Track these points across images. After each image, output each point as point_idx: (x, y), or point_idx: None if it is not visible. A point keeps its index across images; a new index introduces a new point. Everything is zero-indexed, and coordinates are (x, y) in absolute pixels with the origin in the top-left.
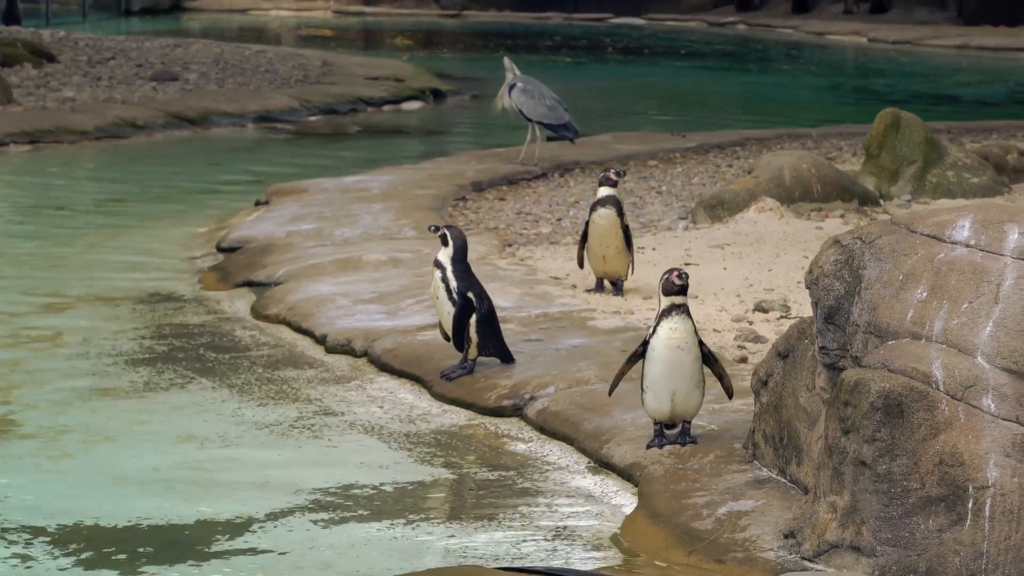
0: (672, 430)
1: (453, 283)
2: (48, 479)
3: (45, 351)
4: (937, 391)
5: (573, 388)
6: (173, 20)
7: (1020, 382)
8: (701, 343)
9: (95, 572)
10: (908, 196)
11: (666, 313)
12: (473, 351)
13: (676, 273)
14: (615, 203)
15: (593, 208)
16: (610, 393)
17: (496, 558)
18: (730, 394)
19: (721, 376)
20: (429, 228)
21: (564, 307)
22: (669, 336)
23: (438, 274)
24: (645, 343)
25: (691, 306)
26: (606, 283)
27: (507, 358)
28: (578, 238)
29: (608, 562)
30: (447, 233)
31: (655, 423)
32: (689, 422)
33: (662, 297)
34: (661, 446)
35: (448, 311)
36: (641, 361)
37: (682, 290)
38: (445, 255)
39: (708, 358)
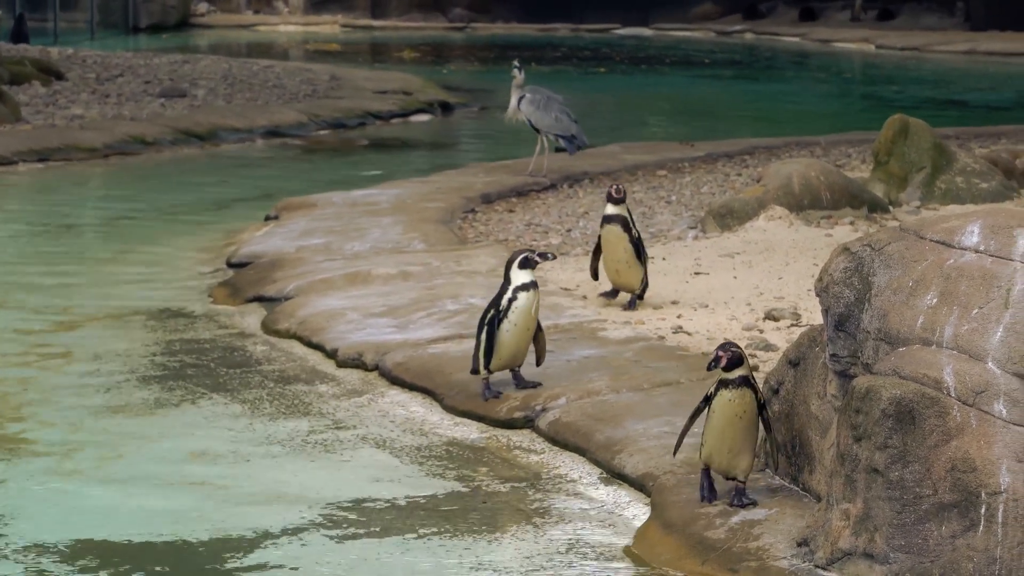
0: (729, 481)
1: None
2: (60, 496)
3: (56, 368)
4: (948, 397)
5: (584, 399)
6: (181, 36)
7: None
8: (763, 408)
9: None
10: (917, 202)
11: (725, 383)
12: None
13: (730, 354)
14: (619, 220)
15: (601, 224)
16: (675, 454)
17: (509, 571)
18: (775, 466)
19: (772, 446)
20: (548, 256)
21: (575, 318)
22: (728, 404)
23: (532, 294)
24: (708, 399)
25: (702, 315)
26: (621, 292)
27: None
28: (588, 249)
29: (621, 573)
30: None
31: (704, 473)
32: (743, 482)
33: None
34: (711, 500)
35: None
36: (705, 415)
37: (738, 362)
38: (534, 277)
39: (766, 424)
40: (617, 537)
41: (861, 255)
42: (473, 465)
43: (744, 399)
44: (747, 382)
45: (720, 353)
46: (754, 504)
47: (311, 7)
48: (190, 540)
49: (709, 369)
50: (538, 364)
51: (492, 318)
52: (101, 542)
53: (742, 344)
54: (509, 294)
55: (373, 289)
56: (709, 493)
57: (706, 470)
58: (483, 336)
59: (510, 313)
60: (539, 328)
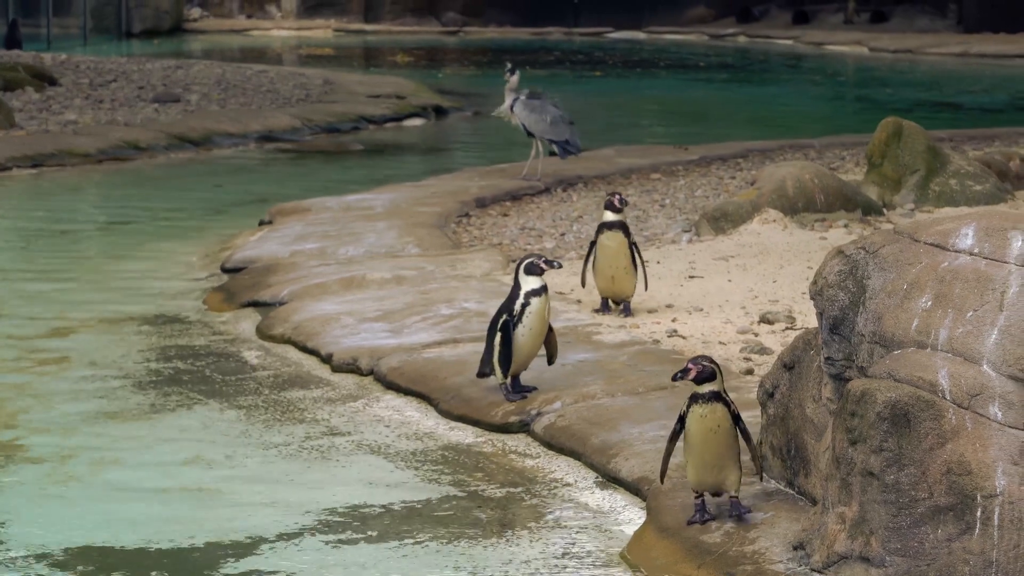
0: (718, 497)
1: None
2: (55, 503)
3: (51, 374)
4: (944, 400)
5: (580, 403)
6: (174, 42)
7: None
8: (738, 419)
9: None
10: (911, 205)
11: (696, 398)
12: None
13: (700, 367)
14: (620, 225)
15: (599, 231)
16: (661, 480)
17: None
18: (758, 473)
19: (752, 456)
20: (554, 265)
21: (569, 322)
22: (701, 419)
23: (544, 298)
24: (681, 420)
25: (697, 319)
26: (611, 303)
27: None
28: (582, 253)
29: None
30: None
31: (696, 496)
32: (736, 495)
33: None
34: (703, 522)
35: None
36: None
37: (710, 376)
38: (543, 281)
39: (744, 435)
40: (612, 542)
41: (855, 258)
42: (469, 470)
43: (716, 413)
44: (718, 396)
45: (691, 365)
46: (749, 512)
47: (304, 12)
48: (185, 546)
49: (674, 380)
50: (550, 363)
51: (506, 322)
52: (97, 548)
53: (736, 348)
54: (521, 299)
55: (368, 294)
56: (701, 514)
57: (699, 496)
58: (498, 342)
59: (524, 318)
60: (550, 329)
